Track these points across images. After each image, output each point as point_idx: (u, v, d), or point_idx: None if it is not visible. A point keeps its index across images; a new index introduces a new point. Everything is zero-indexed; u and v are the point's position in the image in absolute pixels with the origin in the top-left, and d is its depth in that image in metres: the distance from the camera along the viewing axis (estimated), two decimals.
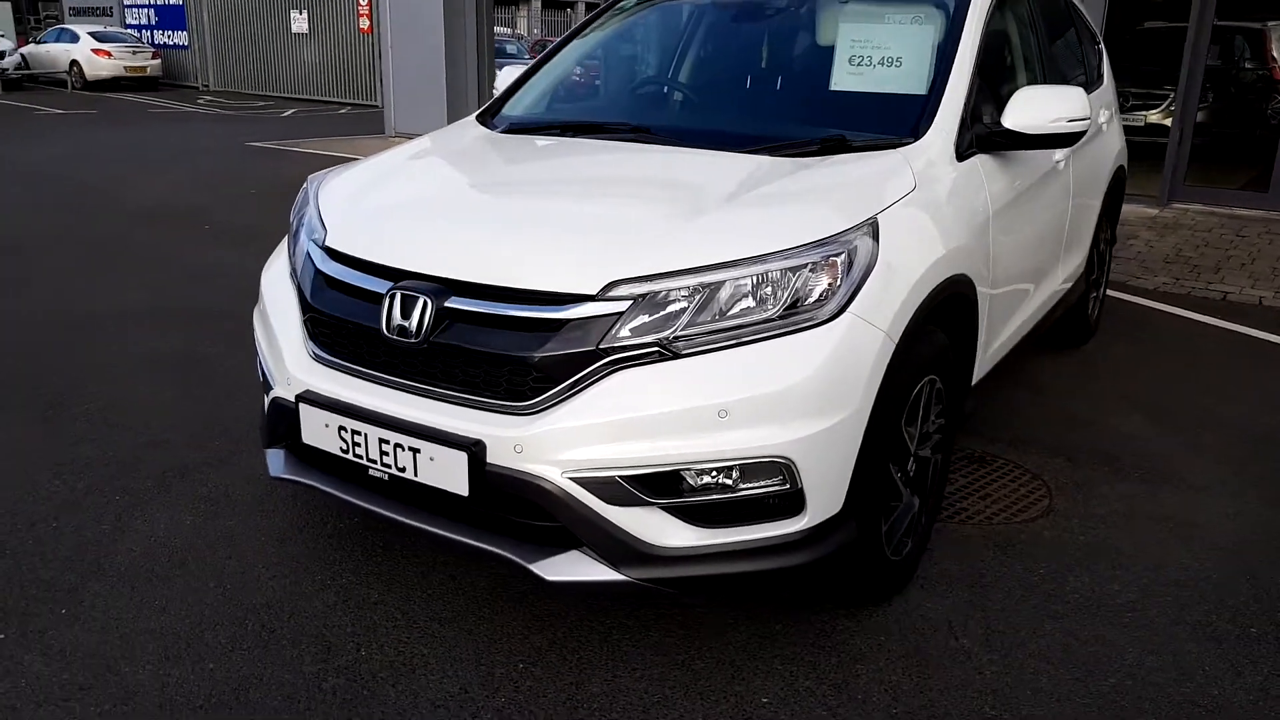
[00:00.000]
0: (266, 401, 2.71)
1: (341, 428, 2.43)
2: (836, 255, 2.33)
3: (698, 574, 2.27)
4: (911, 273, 2.49)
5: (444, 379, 2.36)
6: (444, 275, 2.39)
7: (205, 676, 2.41)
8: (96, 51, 22.48)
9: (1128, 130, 5.44)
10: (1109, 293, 5.63)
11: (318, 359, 2.58)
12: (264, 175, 10.47)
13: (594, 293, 2.26)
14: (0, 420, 3.86)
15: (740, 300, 2.26)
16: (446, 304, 2.35)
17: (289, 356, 2.63)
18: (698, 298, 2.25)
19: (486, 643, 2.56)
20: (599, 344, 2.22)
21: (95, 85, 22.33)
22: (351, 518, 3.12)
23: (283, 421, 2.61)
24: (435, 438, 2.28)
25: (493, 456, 2.24)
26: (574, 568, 2.26)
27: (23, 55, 22.89)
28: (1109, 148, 4.80)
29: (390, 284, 2.43)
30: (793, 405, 2.21)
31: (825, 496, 2.31)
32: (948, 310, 2.77)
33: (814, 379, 2.22)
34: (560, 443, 2.20)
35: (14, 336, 4.89)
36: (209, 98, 21.97)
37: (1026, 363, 4.65)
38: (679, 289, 2.26)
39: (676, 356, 2.22)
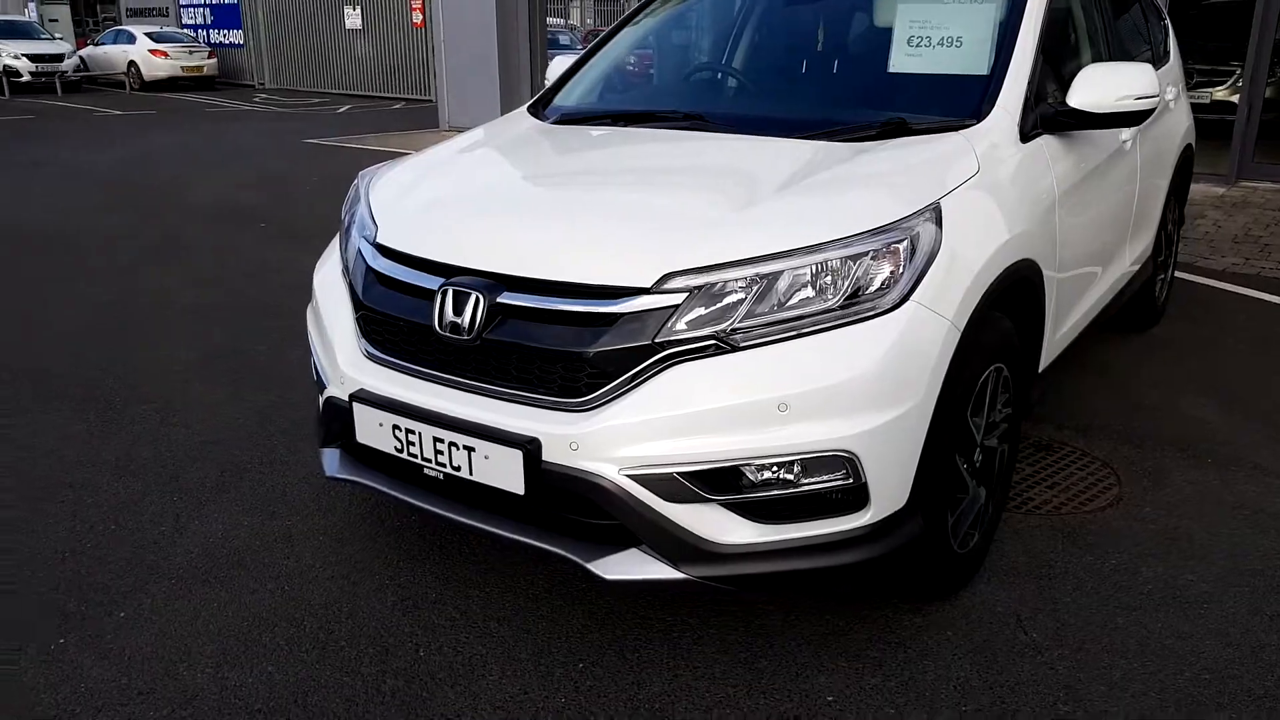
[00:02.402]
0: (321, 401, 2.71)
1: (395, 427, 2.42)
2: (898, 242, 2.25)
3: (759, 571, 2.22)
4: (976, 258, 2.40)
5: (498, 376, 2.34)
6: (495, 270, 2.36)
7: (264, 680, 2.42)
8: (153, 52, 22.89)
9: (1194, 108, 5.25)
10: (1177, 274, 5.45)
11: (371, 357, 2.56)
12: (319, 172, 10.58)
13: (649, 285, 2.21)
14: (58, 420, 3.93)
15: (799, 290, 2.20)
16: (499, 299, 2.32)
17: (342, 355, 2.62)
18: (755, 288, 2.19)
19: (545, 642, 2.54)
20: (654, 338, 2.17)
21: (153, 86, 22.74)
22: (409, 516, 3.12)
23: (337, 421, 2.60)
24: (490, 436, 2.26)
25: (548, 454, 2.21)
26: (633, 566, 2.22)
27: (81, 58, 23.37)
28: (1176, 126, 4.62)
29: (442, 280, 2.41)
30: (855, 397, 2.14)
31: (890, 491, 2.24)
32: (1013, 296, 2.67)
33: (877, 370, 2.15)
34: (616, 439, 2.16)
35: (72, 334, 4.98)
36: (264, 95, 22.29)
37: (1094, 347, 4.51)
38: (736, 280, 2.20)
39: (734, 349, 2.16)
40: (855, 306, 2.19)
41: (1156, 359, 4.56)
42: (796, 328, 2.17)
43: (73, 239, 7.29)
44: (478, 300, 2.32)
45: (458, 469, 2.33)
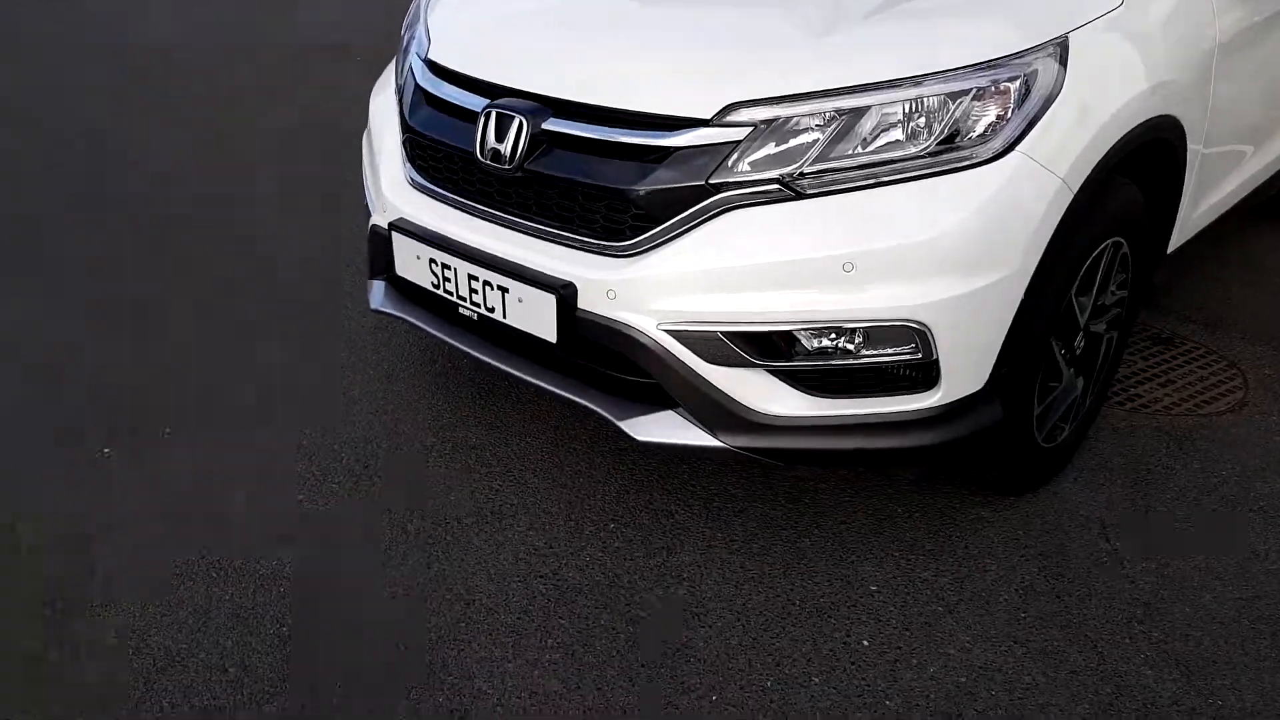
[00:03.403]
0: (368, 229, 2.56)
1: (432, 260, 2.25)
2: (1010, 80, 1.91)
3: (805, 447, 2.01)
4: (1104, 108, 2.03)
5: (539, 213, 2.13)
6: (541, 92, 2.12)
7: (292, 508, 2.37)
8: None
9: None
10: None
11: (415, 185, 2.38)
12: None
13: (708, 117, 1.94)
14: (137, 248, 3.91)
15: (886, 131, 1.89)
16: (544, 126, 2.09)
17: (386, 182, 2.45)
18: (834, 126, 1.89)
19: (580, 498, 2.41)
20: (709, 178, 1.91)
21: None
22: (460, 359, 3.00)
23: (381, 251, 2.45)
24: (524, 277, 2.07)
25: (584, 302, 2.01)
26: (667, 429, 2.03)
27: None
28: None
29: (487, 101, 2.18)
30: (935, 261, 1.86)
31: (965, 370, 1.97)
32: (1146, 160, 2.29)
33: (966, 230, 1.85)
34: (658, 290, 1.94)
35: (173, 153, 4.95)
36: None
37: (1238, 233, 4.00)
38: (811, 115, 1.90)
39: (800, 196, 1.89)
40: (949, 154, 1.88)
41: None
42: (876, 175, 1.88)
43: (184, 55, 7.24)
44: (521, 125, 2.09)
45: (491, 311, 2.16)
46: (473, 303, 2.20)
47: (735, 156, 1.91)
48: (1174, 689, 1.93)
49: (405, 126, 2.43)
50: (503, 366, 2.23)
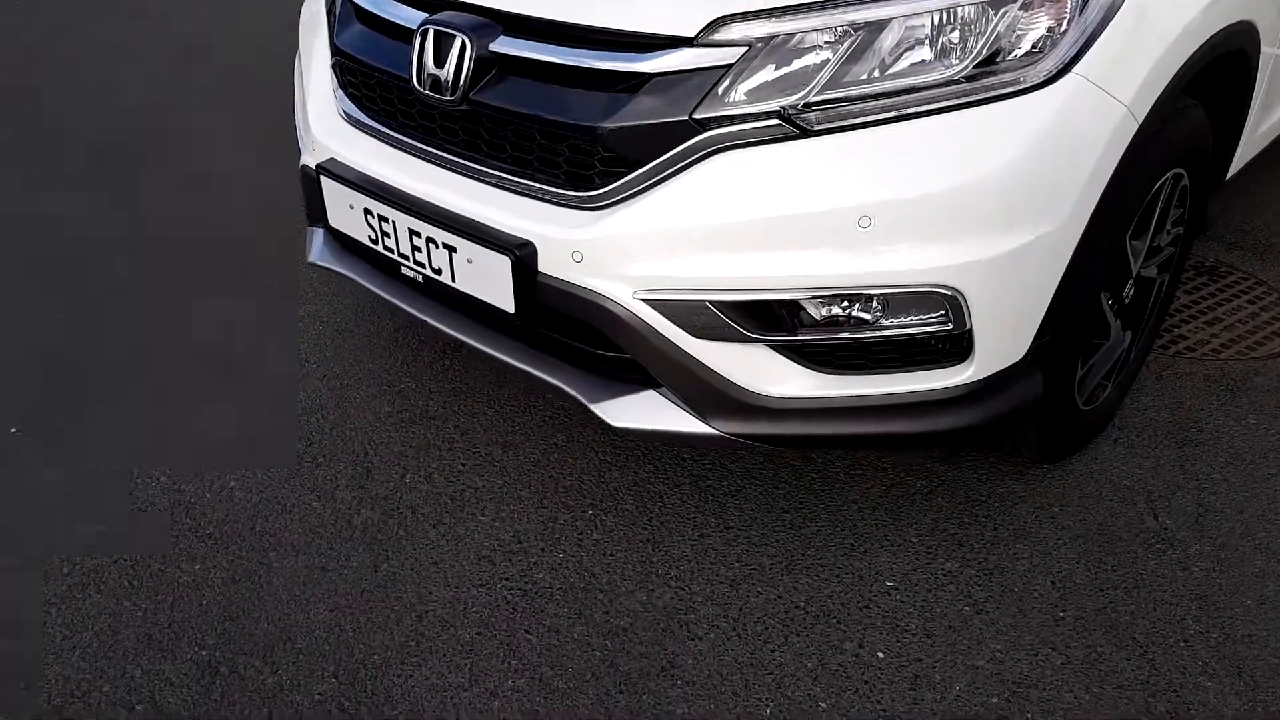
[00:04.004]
0: (300, 170, 2.19)
1: (368, 211, 1.90)
2: None
3: (814, 433, 1.69)
4: (1178, 16, 1.66)
5: (490, 154, 1.77)
6: (487, 4, 1.74)
7: (223, 497, 2.07)
8: None
9: None
10: None
11: (347, 119, 2.02)
12: None
13: (692, 35, 1.56)
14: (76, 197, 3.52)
15: (911, 50, 1.52)
16: (492, 47, 1.71)
17: (315, 115, 2.09)
18: (847, 44, 1.52)
19: (554, 478, 2.11)
20: (694, 112, 1.55)
21: None
22: None
23: (314, 196, 2.09)
24: (474, 234, 1.72)
25: (545, 265, 1.67)
26: (649, 413, 1.72)
27: None
28: None
29: (424, 16, 1.80)
30: (973, 212, 1.51)
31: (1003, 340, 1.65)
32: (1217, 75, 1.92)
33: (1010, 174, 1.50)
34: (633, 251, 1.60)
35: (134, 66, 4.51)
36: None
37: None
38: (820, 31, 1.53)
39: (806, 133, 1.53)
40: (990, 78, 1.51)
41: None
42: (899, 106, 1.52)
43: None
44: (464, 46, 1.72)
45: (438, 273, 1.82)
46: (416, 263, 1.85)
47: (726, 84, 1.54)
48: (1237, 704, 1.67)
49: (334, 49, 2.05)
50: (458, 335, 1.90)
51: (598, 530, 1.98)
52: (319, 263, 2.16)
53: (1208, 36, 1.74)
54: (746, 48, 1.54)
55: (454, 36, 1.73)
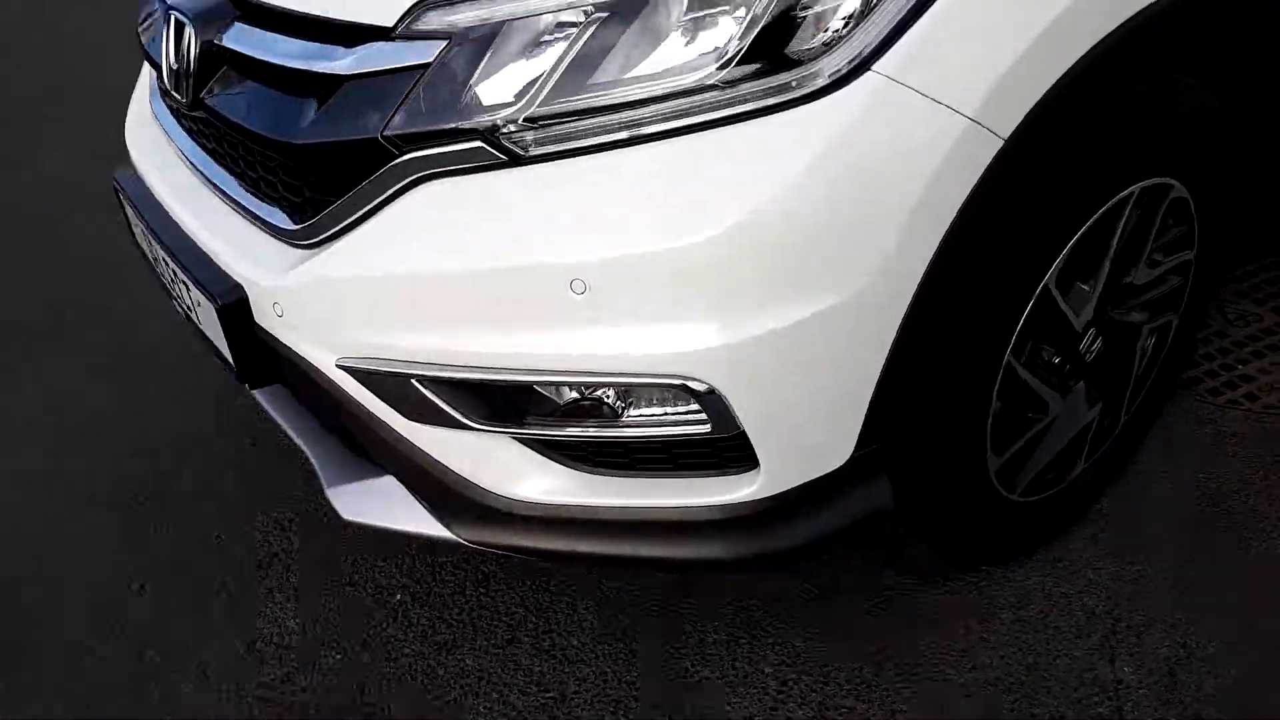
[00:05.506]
0: None
1: (137, 228, 1.64)
2: None
3: (569, 550, 1.29)
4: None
5: (231, 169, 1.46)
6: None
7: None
8: None
9: None
10: None
11: (154, 114, 1.75)
12: None
13: (391, 25, 1.18)
14: None
15: (653, 43, 1.08)
16: (219, 39, 1.39)
17: (133, 108, 1.85)
18: (575, 39, 1.09)
19: (369, 557, 1.78)
20: (384, 127, 1.17)
21: None
22: None
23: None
24: (193, 272, 1.41)
25: (260, 315, 1.35)
26: (383, 506, 1.37)
27: None
28: None
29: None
30: (727, 275, 1.06)
31: (804, 445, 1.19)
32: (1224, 32, 1.35)
33: (776, 220, 1.04)
34: (333, 305, 1.25)
35: None
36: None
37: None
38: (542, 18, 1.11)
39: (518, 160, 1.12)
40: (753, 82, 1.05)
41: None
42: (634, 123, 1.08)
43: None
44: (190, 36, 1.41)
45: (190, 312, 1.53)
46: (175, 294, 1.57)
47: (421, 91, 1.15)
48: None
49: (138, 36, 1.78)
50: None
51: (397, 623, 1.65)
52: None
53: None
54: (446, 42, 1.14)
55: (183, 25, 1.42)
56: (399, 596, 1.70)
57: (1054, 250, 1.27)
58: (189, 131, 1.58)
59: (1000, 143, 1.08)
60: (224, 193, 1.46)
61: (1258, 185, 1.60)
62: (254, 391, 1.55)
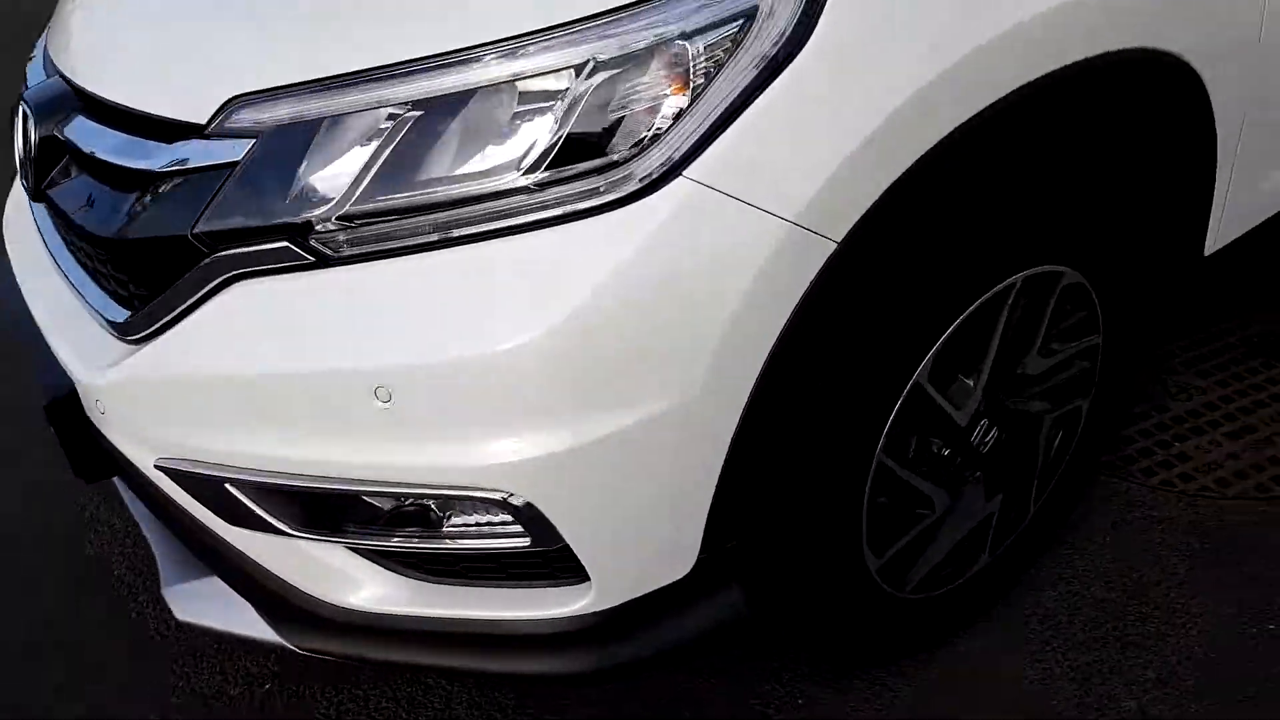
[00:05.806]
0: None
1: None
2: (686, 37, 0.99)
3: (399, 660, 1.22)
4: (907, 67, 1.06)
5: (76, 258, 1.42)
6: (64, 72, 1.40)
7: None
8: None
9: None
10: None
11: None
12: None
13: (204, 122, 1.14)
14: None
15: (465, 143, 1.03)
16: (61, 131, 1.35)
17: (15, 189, 1.81)
18: (388, 139, 1.05)
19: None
20: (194, 225, 1.12)
21: None
22: None
23: None
24: (36, 364, 1.37)
25: (89, 409, 1.30)
26: (218, 608, 1.31)
27: None
28: None
29: (27, 84, 1.47)
30: (538, 384, 1.00)
31: (639, 556, 1.12)
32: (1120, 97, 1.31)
33: (587, 326, 0.99)
34: (146, 405, 1.21)
35: None
36: None
37: None
38: (353, 117, 1.07)
39: (326, 262, 1.07)
40: (564, 185, 1.00)
41: None
42: (446, 224, 1.03)
43: None
44: (30, 125, 1.38)
45: None
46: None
47: (231, 189, 1.11)
48: None
49: None
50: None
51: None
52: None
53: (1016, 87, 1.12)
54: (254, 139, 1.10)
55: (28, 115, 1.39)
56: (268, 685, 1.62)
57: (920, 348, 1.21)
58: (52, 219, 1.54)
59: (833, 246, 1.02)
60: (71, 283, 1.42)
61: (1164, 261, 1.54)
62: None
